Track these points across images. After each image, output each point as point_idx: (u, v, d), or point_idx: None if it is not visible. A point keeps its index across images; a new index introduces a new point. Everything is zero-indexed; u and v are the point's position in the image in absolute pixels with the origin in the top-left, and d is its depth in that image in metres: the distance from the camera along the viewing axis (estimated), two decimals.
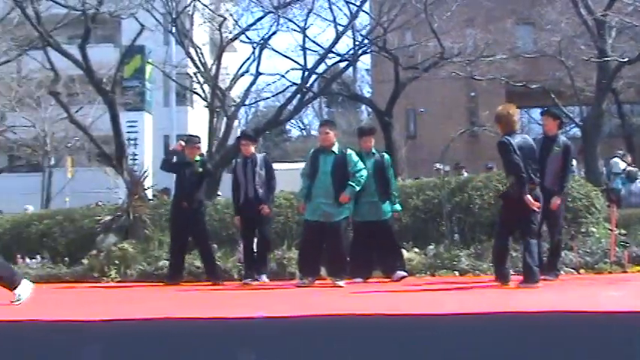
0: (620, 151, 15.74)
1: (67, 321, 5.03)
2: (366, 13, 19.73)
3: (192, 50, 18.85)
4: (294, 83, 18.86)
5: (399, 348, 4.23)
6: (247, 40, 19.97)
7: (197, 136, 10.23)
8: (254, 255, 9.26)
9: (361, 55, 20.01)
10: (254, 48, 19.10)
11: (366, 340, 4.31)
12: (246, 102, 21.27)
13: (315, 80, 19.26)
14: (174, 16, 18.16)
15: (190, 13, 19.63)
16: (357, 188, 8.40)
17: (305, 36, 18.43)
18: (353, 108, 39.10)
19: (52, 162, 25.57)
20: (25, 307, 6.14)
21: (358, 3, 18.23)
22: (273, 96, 24.07)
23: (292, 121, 22.63)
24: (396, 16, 17.17)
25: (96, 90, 16.84)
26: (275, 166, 9.83)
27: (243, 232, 9.36)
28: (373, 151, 9.07)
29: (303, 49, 18.50)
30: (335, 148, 8.47)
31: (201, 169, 9.69)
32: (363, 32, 19.25)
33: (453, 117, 27.86)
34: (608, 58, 16.41)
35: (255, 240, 9.36)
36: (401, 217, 9.67)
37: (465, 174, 13.94)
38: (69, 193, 25.18)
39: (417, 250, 9.82)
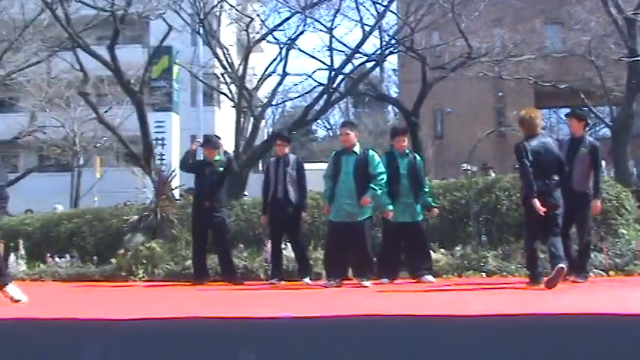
0: None
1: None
2: (394, 13, 19.66)
3: (219, 51, 18.90)
4: (321, 83, 18.83)
5: (424, 349, 4.21)
6: (274, 41, 19.97)
7: (216, 137, 10.21)
8: (281, 255, 9.28)
9: (388, 55, 19.92)
10: (281, 48, 19.11)
11: (391, 340, 4.29)
12: (273, 102, 21.27)
13: (341, 80, 19.22)
14: (201, 17, 18.21)
15: (218, 13, 19.68)
16: (379, 192, 8.45)
17: (332, 36, 18.41)
18: (380, 108, 39.02)
19: (81, 162, 25.80)
20: (51, 306, 6.20)
21: (385, 3, 18.14)
22: (299, 96, 24.04)
23: (319, 121, 22.73)
24: (424, 16, 17.08)
25: (124, 90, 16.96)
26: None
27: (271, 232, 9.37)
28: (407, 151, 9.07)
29: (330, 49, 18.47)
30: (356, 149, 8.48)
31: (222, 169, 9.73)
32: (390, 32, 19.14)
33: (480, 117, 27.72)
34: (639, 58, 16.20)
35: (288, 241, 9.38)
36: (434, 213, 9.59)
37: (493, 174, 13.85)
38: (97, 192, 25.42)
39: (443, 250, 9.79)
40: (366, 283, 8.11)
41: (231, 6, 19.65)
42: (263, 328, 4.57)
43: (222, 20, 20.27)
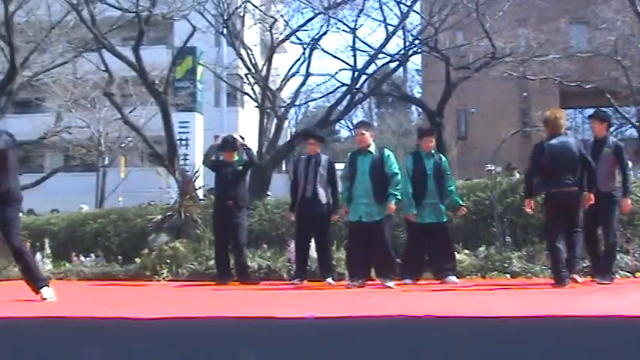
0: None
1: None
2: (417, 13, 19.61)
3: (243, 51, 18.97)
4: (344, 84, 18.83)
5: (446, 350, 4.20)
6: (298, 41, 20.02)
7: (233, 139, 10.15)
8: (307, 255, 9.29)
9: (412, 55, 19.88)
10: (304, 49, 19.15)
11: (413, 340, 4.28)
12: (296, 102, 21.34)
13: (365, 81, 19.22)
14: (225, 18, 18.30)
15: (241, 14, 19.76)
16: (400, 197, 8.47)
17: (355, 36, 18.40)
18: (403, 108, 38.92)
19: (106, 162, 26.01)
20: (74, 304, 6.25)
21: (409, 3, 18.11)
22: (323, 96, 24.07)
23: (342, 121, 22.63)
24: (447, 15, 17.02)
25: (149, 91, 17.07)
26: None
27: (297, 231, 9.38)
28: (432, 151, 9.04)
29: (354, 49, 18.47)
30: (372, 149, 8.47)
31: (241, 167, 9.76)
32: (414, 32, 19.11)
33: (504, 117, 27.55)
34: None
35: (313, 241, 9.39)
36: (461, 212, 9.56)
37: (517, 175, 13.74)
38: (122, 192, 25.59)
39: (467, 251, 9.74)
40: (390, 283, 8.08)
41: (255, 7, 19.70)
42: (286, 328, 4.58)
43: (245, 21, 20.34)
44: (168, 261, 10.46)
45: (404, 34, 18.78)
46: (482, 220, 10.43)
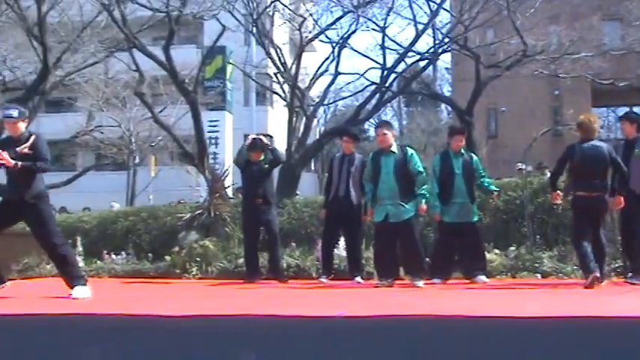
0: None
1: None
2: (447, 11, 19.52)
3: (272, 50, 19.01)
4: (373, 82, 18.79)
5: (475, 349, 4.17)
6: (327, 40, 20.01)
7: (259, 140, 10.14)
8: (333, 253, 9.29)
9: (441, 53, 19.79)
10: (333, 47, 19.13)
11: (442, 340, 4.26)
12: (325, 101, 21.31)
13: (394, 79, 19.13)
14: (254, 17, 18.35)
15: (271, 13, 19.80)
16: (428, 195, 8.47)
17: (384, 35, 18.35)
18: (432, 107, 38.75)
19: (137, 161, 26.23)
20: (101, 301, 6.31)
21: (438, 1, 18.03)
22: (352, 95, 24.07)
23: (371, 120, 22.54)
24: (478, 13, 16.89)
25: (179, 90, 17.19)
26: None
27: (327, 229, 9.38)
28: (462, 151, 8.97)
29: (383, 48, 18.42)
30: (394, 148, 8.42)
31: (267, 165, 9.76)
32: (444, 30, 18.99)
33: (535, 116, 27.29)
34: None
35: (343, 240, 9.39)
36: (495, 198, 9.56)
37: (549, 174, 13.60)
38: (152, 191, 25.82)
39: (497, 251, 9.67)
40: (419, 283, 8.05)
41: (284, 6, 19.73)
42: (317, 326, 4.58)
43: (275, 20, 20.39)
44: (198, 259, 10.51)
45: (433, 32, 18.69)
46: (513, 220, 10.35)
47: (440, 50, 18.92)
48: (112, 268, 11.30)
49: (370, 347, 4.30)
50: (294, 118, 18.28)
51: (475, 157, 9.16)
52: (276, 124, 28.95)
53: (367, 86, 19.75)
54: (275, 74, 20.53)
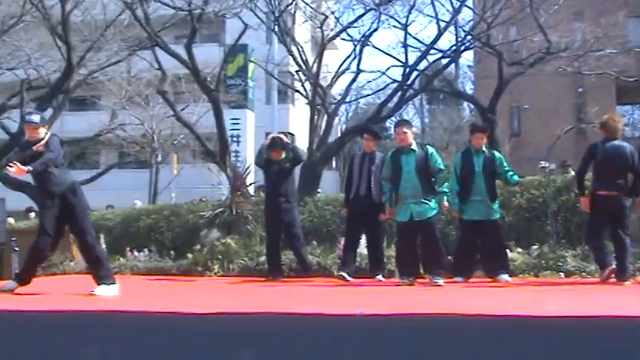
0: None
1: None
2: (469, 8, 19.41)
3: (293, 48, 19.02)
4: (395, 80, 18.74)
5: (497, 348, 4.14)
6: (348, 38, 19.98)
7: (279, 138, 10.14)
8: (355, 252, 9.27)
9: (464, 51, 19.68)
10: (355, 45, 19.10)
11: (462, 339, 4.24)
12: (347, 99, 21.30)
13: (416, 77, 19.06)
14: (276, 15, 18.36)
15: (292, 11, 19.82)
16: (449, 192, 8.49)
17: (406, 32, 18.30)
18: (455, 105, 38.53)
19: (159, 159, 26.35)
20: (120, 298, 6.34)
21: None
22: (373, 93, 23.98)
23: (392, 118, 22.49)
24: (501, 10, 16.76)
25: (201, 88, 17.24)
26: None
27: (348, 227, 9.36)
28: (483, 148, 8.89)
29: (405, 45, 18.37)
30: (414, 146, 8.38)
31: (288, 164, 9.74)
32: (466, 28, 18.89)
33: (559, 114, 27.09)
34: None
35: (364, 238, 9.37)
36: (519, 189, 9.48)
37: (572, 172, 13.50)
38: (175, 188, 25.92)
39: (520, 249, 9.60)
40: (439, 281, 8.01)
41: (306, 4, 19.73)
42: (337, 324, 4.58)
43: (296, 18, 20.41)
44: (220, 257, 10.55)
45: (456, 30, 18.61)
46: (536, 218, 10.28)
47: (462, 48, 18.83)
48: (135, 266, 11.36)
49: (391, 345, 4.28)
50: (316, 116, 18.27)
51: (498, 154, 9.06)
52: (297, 122, 28.96)
53: (389, 84, 19.70)
54: (297, 72, 20.54)
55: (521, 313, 4.73)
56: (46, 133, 7.02)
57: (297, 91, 21.88)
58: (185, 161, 28.45)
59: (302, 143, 16.31)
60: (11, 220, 14.17)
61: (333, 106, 19.38)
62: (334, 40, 21.25)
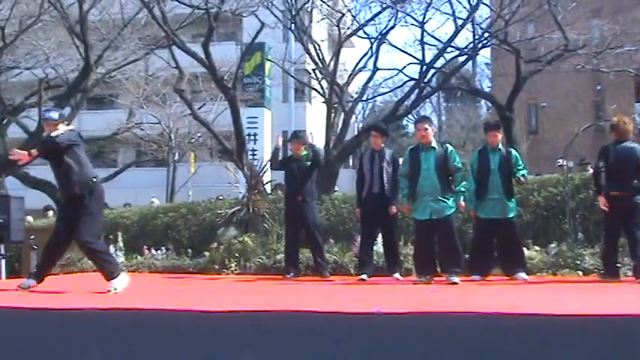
0: None
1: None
2: (487, 5, 19.32)
3: (310, 46, 19.03)
4: (412, 78, 18.70)
5: (514, 347, 4.13)
6: (365, 36, 19.96)
7: (302, 131, 10.15)
8: (372, 251, 9.25)
9: (481, 48, 19.60)
10: (372, 43, 19.08)
11: (480, 337, 4.22)
12: (364, 97, 21.28)
13: (433, 75, 19.02)
14: (293, 13, 18.38)
15: (309, 9, 19.82)
16: (466, 192, 8.46)
17: (423, 30, 18.24)
18: (472, 103, 38.40)
19: (176, 157, 26.46)
20: (138, 296, 6.36)
21: None
22: (390, 91, 24.00)
23: (410, 116, 22.49)
24: (518, 7, 16.68)
25: (218, 87, 17.30)
26: None
27: (363, 226, 9.32)
28: (499, 146, 8.83)
29: (422, 43, 18.32)
30: (434, 144, 8.35)
31: (309, 163, 9.71)
32: (483, 25, 18.81)
33: (577, 111, 26.96)
34: None
35: (380, 236, 9.35)
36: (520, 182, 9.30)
37: (591, 170, 13.40)
38: (192, 187, 26.02)
39: (538, 248, 9.55)
40: (455, 279, 7.99)
41: (323, 2, 19.72)
42: (355, 322, 4.57)
43: (313, 16, 20.39)
44: (237, 255, 10.57)
45: (473, 27, 18.52)
46: (554, 216, 10.22)
47: (479, 45, 18.75)
48: (152, 264, 11.42)
49: (408, 344, 4.28)
50: (333, 114, 18.27)
51: (514, 152, 8.99)
52: (314, 120, 28.96)
53: (406, 82, 19.67)
54: (313, 70, 20.55)
55: (539, 312, 4.70)
56: (67, 130, 7.06)
57: (314, 90, 21.90)
58: (202, 159, 28.55)
59: (319, 142, 16.28)
60: (30, 218, 14.26)
61: (350, 104, 19.37)
62: (351, 38, 21.24)
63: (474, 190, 8.67)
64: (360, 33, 20.02)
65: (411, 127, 47.75)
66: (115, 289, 6.75)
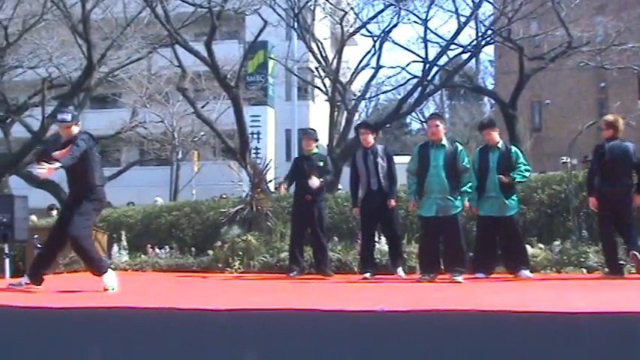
0: None
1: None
2: (490, 2, 19.30)
3: (313, 45, 19.03)
4: (415, 76, 18.70)
5: (519, 345, 4.12)
6: (368, 34, 19.98)
7: (313, 130, 10.15)
8: (374, 249, 9.24)
9: (484, 46, 19.59)
10: (374, 41, 19.08)
11: (484, 335, 4.21)
12: (367, 95, 21.30)
13: (436, 72, 19.02)
14: (296, 12, 18.38)
15: (312, 7, 19.83)
16: (471, 192, 8.44)
17: (426, 28, 18.23)
18: (475, 100, 38.42)
19: (180, 156, 26.48)
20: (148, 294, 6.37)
21: None
22: (393, 89, 24.00)
23: (413, 114, 22.46)
24: (521, 5, 16.66)
25: (221, 85, 17.29)
26: (395, 159, 9.69)
27: (364, 225, 9.28)
28: (498, 145, 8.79)
29: (425, 41, 18.32)
30: (444, 142, 8.33)
31: (321, 163, 9.66)
32: (487, 22, 18.83)
33: (580, 109, 26.93)
34: None
35: (383, 234, 9.32)
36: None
37: None
38: (195, 185, 26.04)
39: (542, 245, 9.53)
40: (459, 278, 7.96)
41: (325, 0, 19.73)
42: (359, 320, 4.57)
43: (316, 14, 20.41)
44: (241, 253, 10.57)
45: (476, 25, 18.52)
46: (558, 214, 10.20)
47: (483, 43, 18.73)
48: (156, 262, 11.42)
49: (411, 342, 4.27)
50: (336, 113, 18.28)
51: (514, 149, 8.95)
52: (317, 118, 28.96)
53: (409, 80, 19.69)
54: (316, 69, 20.56)
55: (543, 310, 4.69)
56: (79, 133, 7.08)
57: (317, 88, 21.91)
58: (205, 158, 28.58)
59: (322, 140, 16.28)
60: (34, 217, 14.29)
61: (353, 102, 19.38)
62: (354, 36, 21.24)
63: (475, 188, 8.66)
64: (363, 31, 20.04)
65: (414, 125, 47.82)
66: (113, 288, 6.82)
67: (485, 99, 36.03)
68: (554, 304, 5.49)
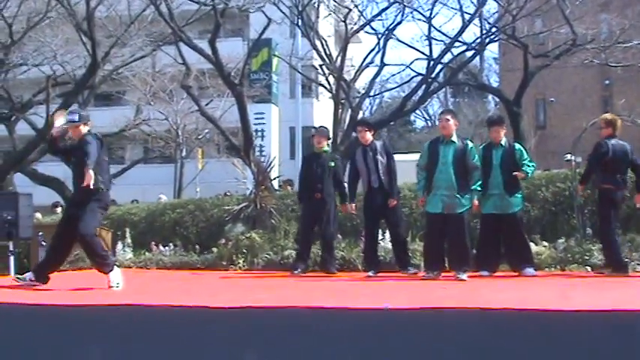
0: None
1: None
2: (494, 0, 19.27)
3: (317, 42, 19.01)
4: (420, 73, 18.67)
5: (523, 342, 4.12)
6: (372, 31, 19.93)
7: (325, 127, 10.18)
8: (377, 247, 9.23)
9: (489, 43, 19.55)
10: (379, 39, 19.05)
11: (486, 333, 4.21)
12: (371, 93, 21.24)
13: (440, 70, 18.98)
14: (300, 9, 18.36)
15: (316, 5, 19.80)
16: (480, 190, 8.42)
17: (430, 25, 18.21)
18: (480, 98, 38.33)
19: (184, 153, 26.49)
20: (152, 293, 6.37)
21: None
22: (397, 87, 24.01)
23: (417, 111, 22.48)
24: (526, 2, 16.62)
25: (225, 83, 17.29)
26: (399, 157, 9.67)
27: (367, 223, 9.28)
28: (502, 142, 8.77)
29: (429, 38, 18.28)
30: (454, 138, 8.29)
31: (332, 164, 9.62)
32: (491, 20, 18.77)
33: (585, 106, 26.88)
34: None
35: (387, 232, 9.31)
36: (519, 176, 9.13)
37: None
38: (199, 183, 26.06)
39: (546, 243, 9.52)
40: (463, 276, 7.94)
41: None
42: (363, 318, 4.57)
43: (320, 12, 20.38)
44: (245, 251, 10.56)
45: (481, 22, 18.48)
46: (562, 212, 10.19)
47: (487, 40, 18.70)
48: (160, 260, 11.43)
49: (416, 338, 4.27)
50: (340, 110, 18.26)
51: (518, 146, 8.93)
52: (321, 116, 28.95)
53: (413, 77, 19.65)
54: (320, 66, 20.53)
55: (547, 308, 4.69)
56: (88, 133, 7.10)
57: (322, 85, 21.89)
58: (210, 156, 28.59)
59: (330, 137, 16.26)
60: (38, 215, 14.30)
61: (357, 99, 19.36)
62: (358, 34, 21.21)
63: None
64: (367, 28, 19.99)
65: (418, 123, 47.77)
66: (118, 285, 6.89)
67: (490, 97, 35.93)
68: (558, 302, 5.48)
